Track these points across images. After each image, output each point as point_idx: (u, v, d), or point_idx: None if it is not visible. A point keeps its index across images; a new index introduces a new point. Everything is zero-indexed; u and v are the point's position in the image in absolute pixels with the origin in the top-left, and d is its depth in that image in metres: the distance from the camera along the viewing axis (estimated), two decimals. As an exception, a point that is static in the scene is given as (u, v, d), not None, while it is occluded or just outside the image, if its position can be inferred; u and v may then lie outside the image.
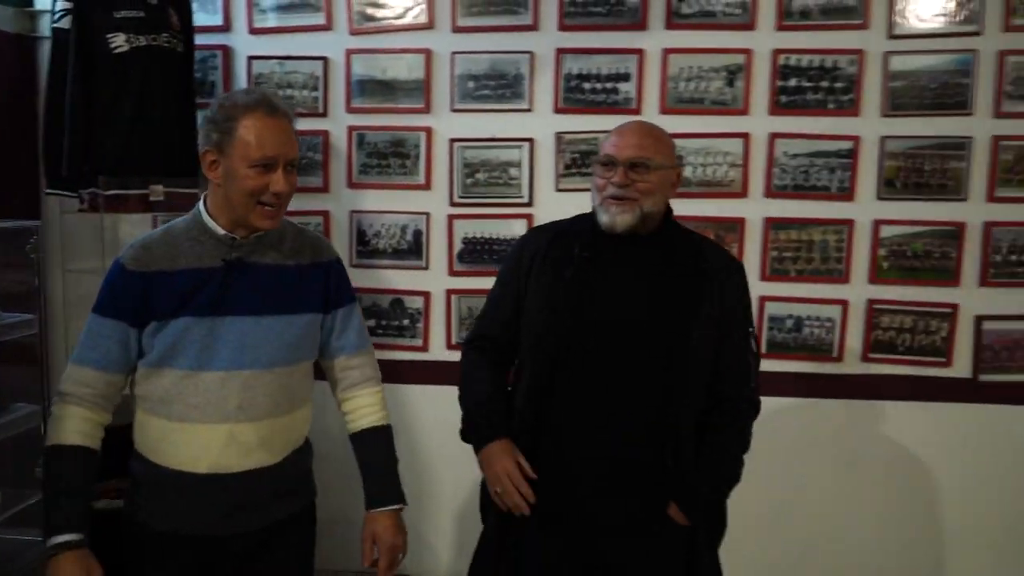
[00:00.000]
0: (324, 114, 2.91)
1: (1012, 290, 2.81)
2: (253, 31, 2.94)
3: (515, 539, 1.75)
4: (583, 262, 1.70)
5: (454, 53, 2.86)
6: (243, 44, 2.95)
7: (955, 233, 2.79)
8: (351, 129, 2.91)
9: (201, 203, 1.58)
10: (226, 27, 2.95)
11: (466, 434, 1.82)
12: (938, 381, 2.86)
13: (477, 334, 1.90)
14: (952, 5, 2.72)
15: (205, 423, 1.55)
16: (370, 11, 2.89)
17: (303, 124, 2.95)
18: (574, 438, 1.69)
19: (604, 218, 1.68)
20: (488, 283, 2.87)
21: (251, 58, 2.94)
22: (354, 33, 2.89)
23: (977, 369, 2.84)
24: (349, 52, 2.89)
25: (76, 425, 1.52)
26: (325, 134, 2.91)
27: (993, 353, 2.83)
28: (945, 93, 2.75)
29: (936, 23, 2.73)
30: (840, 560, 2.96)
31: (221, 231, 1.55)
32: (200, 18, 2.88)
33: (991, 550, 2.92)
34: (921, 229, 2.81)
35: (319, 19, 2.90)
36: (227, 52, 2.95)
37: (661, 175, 1.67)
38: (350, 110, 2.90)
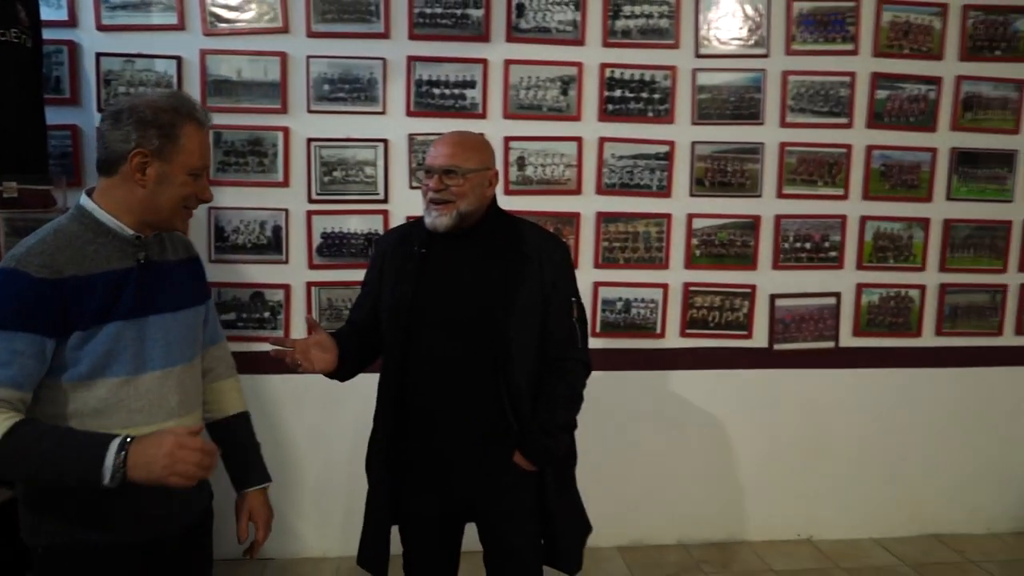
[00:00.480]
0: (179, 112, 2.96)
1: (797, 272, 3.34)
2: (101, 27, 2.93)
3: (395, 495, 2.01)
4: (421, 257, 1.97)
5: (309, 57, 3.00)
6: (90, 40, 2.93)
7: (752, 225, 3.28)
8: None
9: (90, 202, 1.52)
10: (71, 22, 2.92)
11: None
12: (742, 351, 3.35)
13: (348, 318, 2.15)
14: (745, 31, 3.19)
15: (151, 424, 1.53)
16: (224, 13, 2.97)
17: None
18: (431, 404, 1.94)
19: (427, 220, 1.94)
20: (346, 275, 3.12)
21: (100, 55, 2.93)
22: (208, 34, 2.96)
23: (772, 339, 3.35)
24: (204, 52, 2.96)
25: (10, 416, 1.38)
26: (180, 132, 2.96)
27: (784, 326, 3.35)
28: (742, 105, 3.23)
29: (733, 45, 3.20)
30: (668, 509, 3.40)
31: (129, 231, 1.53)
32: (43, 12, 2.84)
33: (786, 491, 3.46)
34: (725, 221, 3.27)
35: (171, 19, 2.95)
36: (73, 48, 2.92)
37: (474, 178, 1.92)
38: (206, 108, 2.96)
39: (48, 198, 2.66)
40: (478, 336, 1.91)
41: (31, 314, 1.40)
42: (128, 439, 1.36)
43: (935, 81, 3.30)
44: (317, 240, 3.08)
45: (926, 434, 3.51)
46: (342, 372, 1.94)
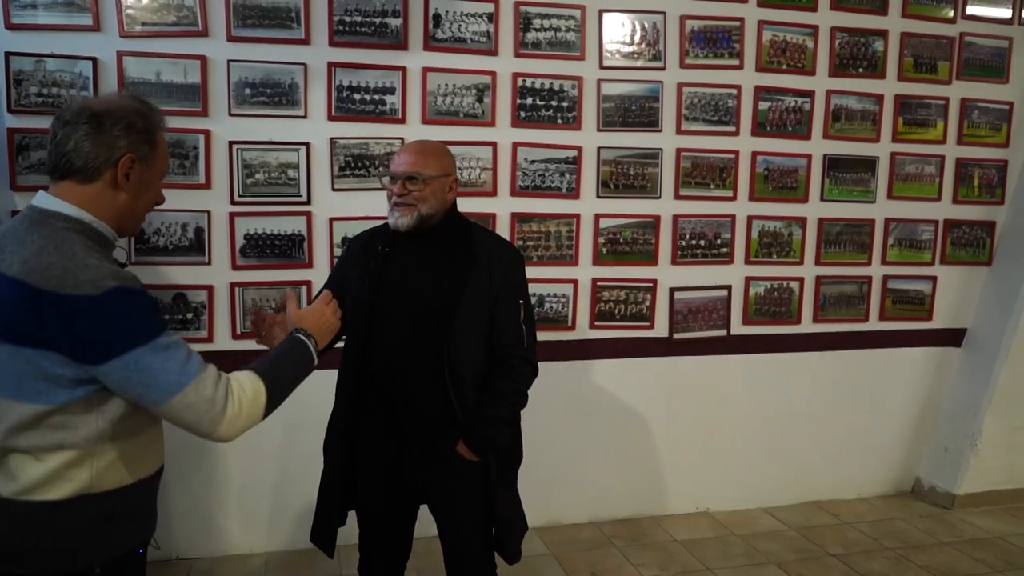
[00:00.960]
0: (96, 114, 2.94)
1: (693, 267, 3.65)
2: (10, 26, 2.87)
3: (350, 475, 2.15)
4: (383, 255, 2.12)
5: (230, 61, 3.04)
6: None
7: (653, 224, 3.56)
8: (126, 129, 2.97)
9: (79, 210, 1.44)
10: (-23, 21, 2.86)
11: None
12: (645, 341, 3.63)
13: None
14: (644, 46, 3.47)
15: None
16: (141, 15, 2.97)
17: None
18: (385, 392, 2.09)
19: (390, 220, 2.11)
20: (270, 275, 3.19)
21: (9, 54, 2.87)
22: (125, 36, 2.95)
23: (672, 329, 3.65)
24: (120, 54, 2.95)
25: (249, 376, 1.53)
26: (97, 134, 2.94)
27: (682, 316, 3.66)
28: (642, 113, 3.50)
29: (633, 58, 3.46)
30: (580, 490, 3.64)
31: (119, 242, 1.55)
32: (-53, 10, 2.78)
33: (686, 469, 3.77)
34: (629, 221, 3.54)
35: (86, 19, 2.92)
36: (-20, 47, 2.86)
37: (435, 184, 2.09)
38: (124, 111, 2.97)
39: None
40: (427, 327, 2.06)
41: (159, 317, 1.48)
42: (302, 332, 1.72)
43: (809, 94, 3.68)
44: (240, 241, 3.12)
45: (805, 412, 3.90)
46: None
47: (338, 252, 3.21)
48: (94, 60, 2.93)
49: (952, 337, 4.07)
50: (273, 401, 1.53)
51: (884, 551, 3.41)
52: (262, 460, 3.25)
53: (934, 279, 3.99)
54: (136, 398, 1.40)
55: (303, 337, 1.71)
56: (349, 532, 2.26)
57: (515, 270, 2.19)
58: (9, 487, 1.42)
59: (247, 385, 1.49)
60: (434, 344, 2.05)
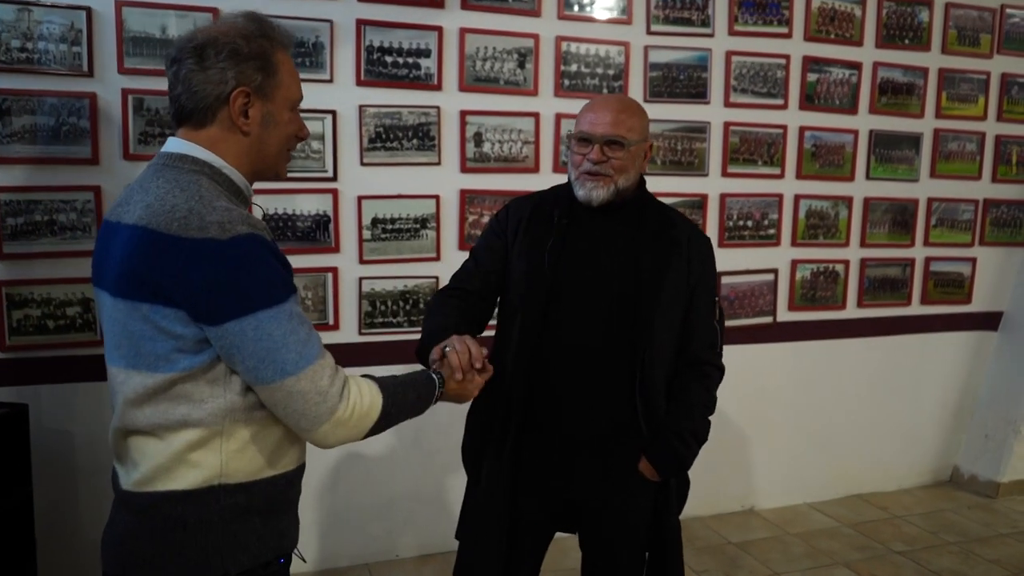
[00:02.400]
0: (90, 74, 2.51)
1: (739, 250, 3.42)
2: (-15, -31, 2.43)
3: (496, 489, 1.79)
4: (562, 229, 1.77)
5: (294, 47, 2.65)
6: (-29, -17, 2.43)
7: (700, 203, 3.31)
8: (126, 92, 2.55)
9: (211, 155, 1.25)
10: (-56, -40, 2.40)
11: (420, 352, 1.75)
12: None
13: (451, 285, 1.89)
14: (693, 10, 3.20)
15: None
16: (141, -40, 2.55)
17: (60, 84, 2.56)
18: (560, 395, 1.75)
19: (580, 192, 1.75)
20: (294, 261, 2.76)
21: (-16, 1, 2.43)
22: (123, -17, 2.54)
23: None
24: (119, 4, 2.52)
25: (368, 384, 1.34)
26: (92, 97, 2.51)
27: (728, 303, 3.42)
28: (690, 83, 3.24)
29: (682, 23, 3.19)
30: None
31: (250, 189, 1.33)
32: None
33: (730, 465, 3.54)
34: (675, 200, 3.27)
35: (76, -37, 2.50)
36: (-52, -9, 2.41)
37: (636, 151, 1.74)
38: (124, 71, 2.54)
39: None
40: (620, 321, 1.72)
41: (289, 276, 1.24)
42: (440, 377, 1.48)
43: (856, 66, 3.48)
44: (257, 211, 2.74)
45: (846, 402, 3.72)
46: None
47: (368, 235, 2.85)
48: (88, 10, 2.50)
49: (989, 321, 3.94)
50: (383, 423, 1.33)
51: (947, 546, 3.25)
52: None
53: (973, 261, 3.85)
54: (243, 371, 1.19)
55: (437, 381, 1.48)
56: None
57: (712, 261, 1.88)
58: (131, 476, 1.25)
59: (366, 393, 1.30)
60: (627, 342, 1.72)
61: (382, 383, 1.34)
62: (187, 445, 1.20)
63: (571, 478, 1.79)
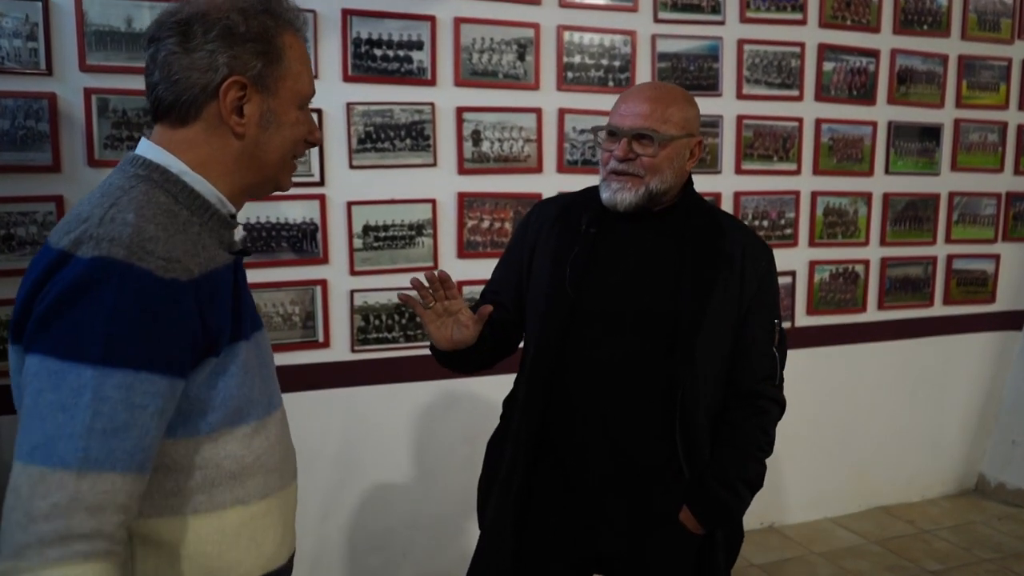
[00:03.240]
0: (48, 72, 2.27)
1: (755, 251, 3.21)
2: (-73, -43, 2.19)
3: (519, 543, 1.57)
4: (589, 239, 1.53)
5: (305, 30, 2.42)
6: (-89, -27, 2.19)
7: (714, 203, 3.09)
8: (89, 92, 2.31)
9: (175, 159, 1.00)
10: None
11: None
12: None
13: (475, 304, 1.68)
14: (703, -5, 3.00)
15: (285, 487, 1.11)
16: (103, -54, 2.32)
17: (16, 84, 2.32)
18: (580, 430, 1.53)
19: (605, 195, 1.52)
20: (278, 274, 2.60)
21: (-73, -7, 2.19)
22: (83, -29, 2.30)
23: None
24: (79, -5, 2.29)
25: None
26: (52, 97, 2.27)
27: (744, 308, 3.21)
28: (701, 75, 3.03)
29: (690, 11, 2.98)
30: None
31: (230, 207, 1.05)
32: None
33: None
34: (687, 200, 3.07)
35: (30, -50, 2.26)
36: None
37: (673, 147, 1.49)
38: (86, 68, 2.30)
39: None
40: (655, 346, 1.49)
41: (163, 340, 0.90)
42: None
43: (874, 54, 3.28)
44: (239, 233, 2.50)
45: (866, 409, 3.52)
46: (474, 355, 1.53)
47: (359, 243, 2.63)
48: (44, 1, 2.26)
49: (1013, 320, 3.75)
50: None
51: (983, 563, 3.05)
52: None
53: (997, 257, 3.66)
54: None
55: None
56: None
57: (772, 278, 1.61)
58: None
59: None
60: (664, 370, 1.49)
61: None
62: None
63: (596, 525, 1.56)
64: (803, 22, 3.15)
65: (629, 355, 1.51)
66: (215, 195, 1.02)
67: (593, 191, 1.62)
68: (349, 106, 2.57)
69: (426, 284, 1.48)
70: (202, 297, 0.95)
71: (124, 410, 0.86)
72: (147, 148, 1.02)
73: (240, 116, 1.01)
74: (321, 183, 2.58)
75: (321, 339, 2.62)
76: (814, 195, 3.26)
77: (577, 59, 2.85)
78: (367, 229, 2.63)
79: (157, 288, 0.89)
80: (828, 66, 3.21)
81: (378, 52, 2.60)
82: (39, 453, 0.83)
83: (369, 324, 2.67)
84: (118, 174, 1.00)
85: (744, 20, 3.07)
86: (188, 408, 0.96)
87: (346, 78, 2.57)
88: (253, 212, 2.51)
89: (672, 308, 1.50)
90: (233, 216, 1.07)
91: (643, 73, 2.94)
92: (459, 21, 2.67)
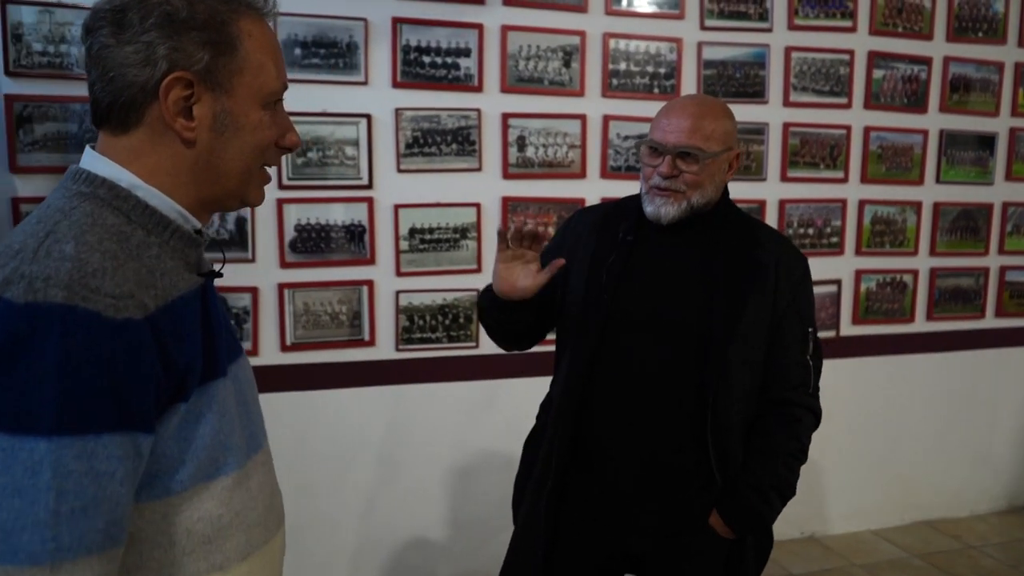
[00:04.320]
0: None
1: (799, 259, 3.19)
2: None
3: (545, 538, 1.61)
4: (626, 247, 1.57)
5: (277, 13, 2.51)
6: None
7: (758, 210, 3.09)
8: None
9: (124, 172, 0.86)
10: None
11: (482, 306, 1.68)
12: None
13: None
14: (750, 3, 2.99)
15: (269, 540, 0.97)
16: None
17: (85, 89, 2.43)
18: (612, 434, 1.57)
19: (648, 208, 1.55)
20: (325, 274, 2.67)
21: (5, 1, 2.30)
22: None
23: (778, 331, 3.18)
24: (145, 5, 2.40)
25: None
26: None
27: (787, 316, 3.19)
28: (747, 82, 3.03)
29: (737, 18, 2.99)
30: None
31: (195, 222, 0.91)
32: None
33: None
34: (731, 207, 3.07)
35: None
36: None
37: (715, 164, 1.53)
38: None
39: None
40: (687, 354, 1.52)
41: (123, 394, 0.76)
42: None
43: (926, 61, 3.24)
44: (290, 233, 2.59)
45: (915, 420, 3.47)
46: (522, 313, 1.57)
47: (405, 245, 2.69)
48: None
49: (1068, 334, 3.66)
50: None
51: (1031, 582, 2.99)
52: (313, 485, 2.73)
53: (1052, 270, 3.57)
54: None
55: None
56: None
57: (806, 287, 1.63)
58: None
59: None
60: (696, 380, 1.52)
61: None
62: None
63: (628, 527, 1.59)
64: (853, 29, 3.13)
65: (662, 363, 1.54)
66: (175, 209, 0.89)
67: (632, 200, 1.65)
68: (398, 112, 2.64)
69: (522, 231, 1.51)
70: (162, 334, 0.80)
71: (91, 483, 0.73)
72: (91, 160, 0.88)
73: (189, 119, 0.87)
74: (369, 186, 2.65)
75: (367, 338, 2.70)
76: (861, 203, 3.23)
77: (622, 66, 2.87)
78: (413, 231, 2.70)
79: (108, 333, 0.75)
80: (878, 73, 3.18)
81: (426, 59, 2.66)
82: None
83: (413, 324, 2.74)
84: (58, 193, 0.87)
85: (792, 27, 3.06)
86: (155, 467, 0.81)
87: (395, 84, 2.64)
88: (303, 213, 2.59)
89: (706, 317, 1.52)
90: (200, 232, 0.92)
91: (688, 80, 2.95)
92: (506, 29, 2.72)
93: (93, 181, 0.85)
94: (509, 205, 2.79)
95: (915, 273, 3.35)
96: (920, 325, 3.40)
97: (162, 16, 0.83)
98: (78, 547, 0.72)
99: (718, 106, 1.59)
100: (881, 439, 3.42)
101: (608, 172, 2.89)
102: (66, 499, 0.72)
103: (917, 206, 3.31)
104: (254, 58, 0.89)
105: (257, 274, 2.58)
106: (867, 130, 3.19)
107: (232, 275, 2.55)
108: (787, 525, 3.32)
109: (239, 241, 2.55)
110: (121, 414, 0.75)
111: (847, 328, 3.29)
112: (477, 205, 2.76)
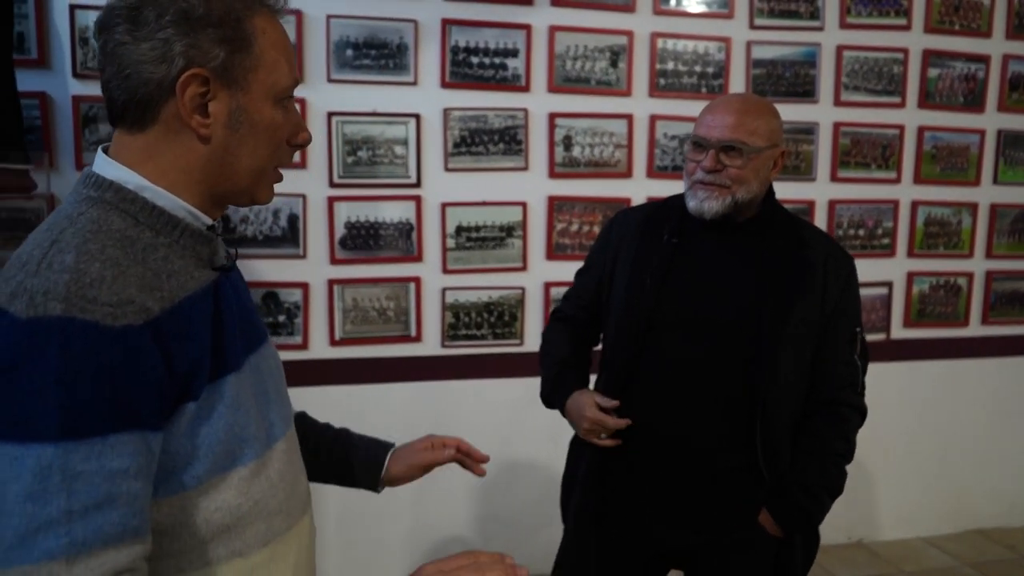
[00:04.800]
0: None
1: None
2: (73, -26, 2.42)
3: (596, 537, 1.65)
4: (670, 248, 1.58)
5: (330, 16, 2.57)
6: (61, -10, 2.42)
7: (807, 211, 3.06)
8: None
9: (131, 174, 0.87)
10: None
11: (547, 397, 1.73)
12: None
13: (558, 314, 1.81)
14: (800, 2, 2.96)
15: (292, 526, 0.98)
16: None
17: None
18: (659, 433, 1.58)
19: (691, 204, 1.55)
20: (374, 271, 2.72)
21: (74, 7, 2.40)
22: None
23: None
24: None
25: None
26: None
27: (836, 318, 3.15)
28: (796, 81, 3.00)
29: (787, 17, 2.96)
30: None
31: (206, 219, 0.92)
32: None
33: (843, 495, 3.26)
34: (779, 207, 3.04)
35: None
36: (40, -2, 2.40)
37: (759, 159, 1.53)
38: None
39: (26, 181, 2.16)
40: (734, 355, 1.52)
41: (126, 396, 0.77)
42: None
43: (984, 59, 3.16)
44: (340, 231, 2.65)
45: (968, 426, 3.39)
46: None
47: (451, 243, 2.73)
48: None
49: None
50: None
51: (1089, 595, 2.90)
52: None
53: (1116, 274, 3.46)
54: None
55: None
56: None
57: (853, 286, 1.63)
58: None
59: None
60: (744, 379, 1.52)
61: None
62: None
63: (675, 525, 1.60)
64: (907, 27, 3.07)
65: (708, 363, 1.54)
66: (184, 208, 0.89)
67: (676, 200, 1.66)
68: (446, 111, 2.68)
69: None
70: (166, 337, 0.81)
71: (103, 481, 0.75)
72: (102, 163, 0.89)
73: (204, 116, 0.87)
74: (418, 185, 2.70)
75: (414, 334, 2.74)
76: (914, 204, 3.17)
77: (670, 65, 2.87)
78: (460, 230, 2.73)
79: (106, 341, 0.76)
80: (933, 72, 3.12)
81: (475, 60, 2.70)
82: (16, 554, 0.71)
83: (459, 321, 2.77)
84: (70, 198, 0.89)
85: (844, 26, 3.01)
86: (169, 463, 0.83)
87: (444, 84, 2.68)
88: (353, 211, 2.65)
89: (753, 318, 1.52)
90: (211, 228, 0.93)
91: (737, 79, 2.94)
92: (554, 29, 2.74)
93: (101, 184, 0.87)
94: (555, 204, 2.80)
95: (970, 276, 3.27)
96: (975, 329, 3.32)
97: (178, 13, 0.84)
98: (94, 541, 0.74)
99: (763, 103, 1.59)
100: (933, 444, 3.35)
101: (654, 172, 2.89)
102: (78, 498, 0.73)
103: (973, 207, 3.24)
104: (268, 55, 0.90)
105: (308, 270, 2.65)
106: (921, 130, 3.13)
107: (284, 271, 2.64)
108: (835, 530, 3.28)
109: (291, 238, 2.61)
110: (125, 415, 0.77)
111: (898, 331, 3.23)
112: (523, 204, 2.78)
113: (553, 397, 1.72)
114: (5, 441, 0.73)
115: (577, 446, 1.74)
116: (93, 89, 2.43)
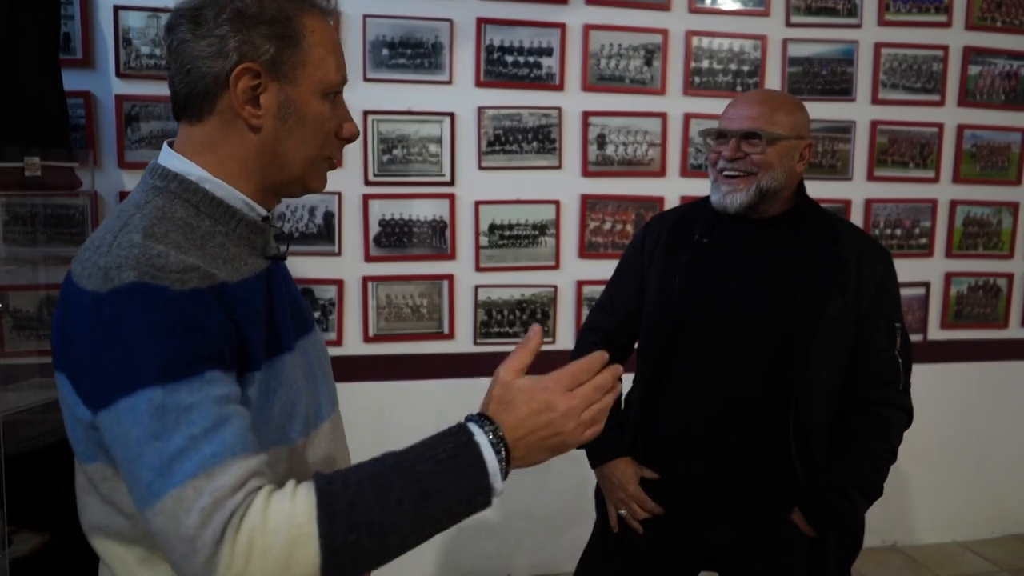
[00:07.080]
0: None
1: (886, 261, 3.11)
2: (117, -24, 2.47)
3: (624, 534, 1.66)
4: (701, 248, 1.58)
5: (366, 16, 2.60)
6: (105, -9, 2.47)
7: (843, 210, 3.03)
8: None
9: (192, 166, 0.94)
10: (81, -30, 2.45)
11: (589, 448, 1.64)
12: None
13: (590, 325, 1.78)
14: (838, -2, 2.94)
15: None
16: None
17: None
18: (692, 433, 1.58)
19: (715, 197, 1.56)
20: (407, 268, 2.74)
21: (118, 8, 2.45)
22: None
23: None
24: (243, 8, 2.52)
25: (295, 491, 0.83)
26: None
27: (872, 319, 3.11)
28: (833, 79, 2.97)
29: (825, 15, 2.93)
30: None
31: (261, 210, 0.98)
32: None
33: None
34: (814, 206, 3.01)
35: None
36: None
37: (782, 147, 1.52)
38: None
39: (72, 178, 2.21)
40: (767, 352, 1.51)
41: (208, 339, 0.84)
42: (484, 421, 0.91)
43: (1027, 57, 3.11)
44: (375, 228, 2.68)
45: (1007, 429, 3.33)
46: None
47: (484, 241, 2.75)
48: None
49: None
50: (338, 560, 0.79)
51: None
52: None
53: None
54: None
55: (479, 437, 0.90)
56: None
57: (890, 282, 1.60)
58: None
59: (279, 524, 0.78)
60: (776, 381, 1.51)
61: (331, 487, 0.82)
62: (122, 564, 0.91)
63: (708, 521, 1.60)
64: (948, 24, 3.03)
65: (740, 361, 1.54)
66: (240, 199, 0.96)
67: (705, 201, 1.65)
68: (480, 110, 2.70)
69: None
70: (228, 303, 0.88)
71: (212, 406, 0.81)
72: (167, 156, 0.96)
73: (256, 107, 0.93)
74: (451, 183, 2.71)
75: (447, 331, 2.76)
76: (953, 204, 3.12)
77: (705, 64, 2.86)
78: (493, 228, 2.75)
79: (180, 299, 0.83)
80: (974, 70, 3.06)
81: (509, 58, 2.71)
82: (157, 485, 0.77)
83: (491, 318, 2.79)
84: (138, 188, 0.96)
85: (882, 23, 2.98)
86: None
87: (478, 83, 2.69)
88: (387, 209, 2.67)
89: (786, 315, 1.51)
90: (266, 219, 1.00)
91: (773, 77, 2.91)
92: (588, 28, 2.74)
93: (166, 176, 0.94)
94: (588, 202, 2.81)
95: (1010, 277, 3.22)
96: (1015, 331, 3.26)
97: (234, 12, 0.91)
98: (223, 453, 0.79)
99: (785, 96, 1.61)
100: (970, 447, 3.30)
101: (688, 171, 2.88)
102: (197, 424, 0.79)
103: (1014, 207, 3.18)
104: (316, 52, 0.95)
105: (343, 267, 2.68)
106: (960, 128, 3.08)
107: (319, 268, 2.67)
108: (869, 533, 3.18)
109: (326, 235, 2.64)
110: (214, 356, 0.84)
111: (935, 332, 3.18)
112: (556, 202, 2.79)
113: (595, 449, 1.63)
114: (116, 400, 0.80)
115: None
116: (136, 88, 2.48)
